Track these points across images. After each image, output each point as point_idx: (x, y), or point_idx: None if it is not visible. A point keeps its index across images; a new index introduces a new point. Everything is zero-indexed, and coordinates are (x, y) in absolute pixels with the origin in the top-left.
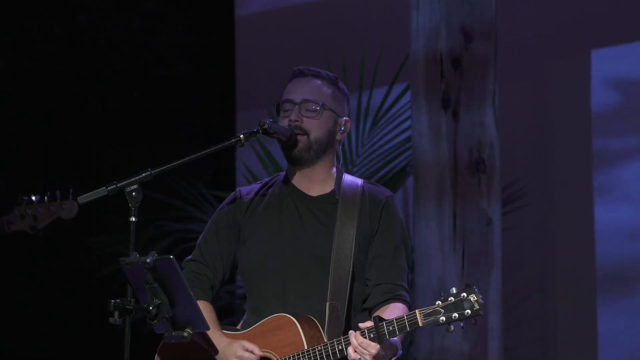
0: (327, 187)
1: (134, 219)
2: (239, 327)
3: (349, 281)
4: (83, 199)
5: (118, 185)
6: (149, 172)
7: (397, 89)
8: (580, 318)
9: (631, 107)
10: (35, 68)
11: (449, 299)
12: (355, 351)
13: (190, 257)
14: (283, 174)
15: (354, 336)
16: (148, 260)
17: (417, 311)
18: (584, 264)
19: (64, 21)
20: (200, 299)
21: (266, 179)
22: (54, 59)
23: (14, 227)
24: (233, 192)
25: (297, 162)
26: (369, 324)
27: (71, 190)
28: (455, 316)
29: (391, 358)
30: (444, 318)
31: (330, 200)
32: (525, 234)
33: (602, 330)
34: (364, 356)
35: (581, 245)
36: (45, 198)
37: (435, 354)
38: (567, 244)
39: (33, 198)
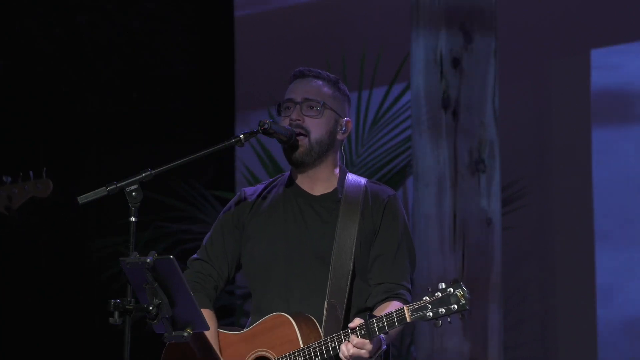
0: (330, 187)
1: (134, 219)
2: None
3: (349, 280)
4: (83, 199)
5: (118, 185)
6: (149, 172)
7: (397, 88)
8: (580, 318)
9: (631, 107)
10: (35, 68)
11: (436, 294)
12: (351, 353)
13: (195, 255)
14: (287, 174)
15: (345, 345)
16: (148, 260)
17: (404, 307)
18: (584, 264)
19: (64, 21)
20: (204, 306)
21: (270, 180)
22: (54, 59)
23: None
24: (238, 193)
25: (299, 165)
26: (357, 322)
27: (44, 169)
28: (442, 311)
29: (377, 352)
30: (431, 313)
31: (332, 199)
32: (525, 234)
33: (601, 330)
34: (362, 354)
35: (581, 246)
36: (19, 179)
37: (435, 354)
38: (567, 244)
39: (5, 179)
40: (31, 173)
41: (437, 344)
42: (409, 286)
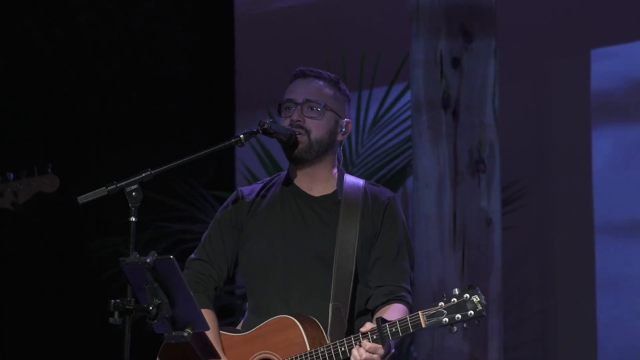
0: (329, 188)
1: (133, 219)
2: (239, 327)
3: (352, 282)
4: (83, 199)
5: (118, 185)
6: (149, 172)
7: (397, 89)
8: (580, 318)
9: (631, 107)
10: (35, 68)
11: (452, 299)
12: (364, 358)
13: (194, 255)
14: (284, 173)
15: (357, 349)
16: (148, 260)
17: (419, 312)
18: (584, 264)
19: (64, 21)
20: (204, 306)
21: (267, 179)
22: (54, 59)
23: None
24: (235, 192)
25: (298, 162)
26: (369, 326)
27: (50, 164)
28: (458, 317)
29: (386, 355)
30: (446, 319)
31: (332, 201)
32: (525, 234)
33: (601, 330)
34: (373, 359)
35: (581, 246)
36: (23, 175)
37: (435, 354)
38: (567, 244)
39: (8, 175)
40: (35, 169)
41: (437, 343)
42: (409, 288)
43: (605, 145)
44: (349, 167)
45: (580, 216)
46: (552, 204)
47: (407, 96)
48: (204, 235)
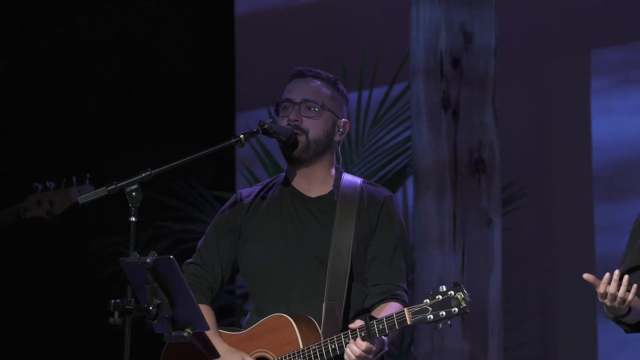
0: (326, 188)
1: (133, 219)
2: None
3: (347, 281)
4: (83, 199)
5: (118, 185)
6: (149, 172)
7: (397, 88)
8: (580, 318)
9: (631, 107)
10: (35, 68)
11: (437, 297)
12: (357, 355)
13: (190, 260)
14: (283, 175)
15: (350, 347)
16: (148, 260)
17: (405, 310)
18: (584, 264)
19: (64, 21)
20: (200, 302)
21: (266, 180)
22: (54, 59)
23: (30, 213)
24: (234, 195)
25: (295, 163)
26: (358, 323)
27: (88, 175)
28: (442, 314)
29: (378, 353)
30: (431, 316)
31: (328, 201)
32: (525, 234)
33: (602, 330)
34: (366, 357)
35: (581, 245)
36: (63, 184)
37: (435, 354)
38: (567, 244)
39: (48, 185)
40: (74, 179)
41: (437, 343)
42: (406, 287)
43: (606, 145)
44: (349, 167)
45: (580, 216)
46: (552, 204)
47: (407, 96)
48: (201, 239)
